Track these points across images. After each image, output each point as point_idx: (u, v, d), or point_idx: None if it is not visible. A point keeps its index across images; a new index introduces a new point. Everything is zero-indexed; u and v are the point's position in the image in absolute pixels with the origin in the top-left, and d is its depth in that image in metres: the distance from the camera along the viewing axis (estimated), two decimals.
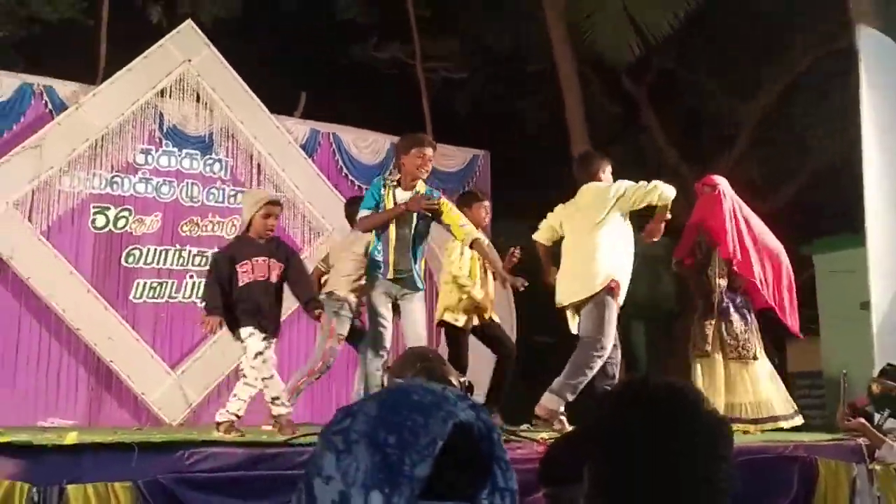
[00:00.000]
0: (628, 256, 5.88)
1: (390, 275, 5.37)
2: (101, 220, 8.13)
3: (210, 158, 8.65)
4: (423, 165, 5.50)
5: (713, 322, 6.36)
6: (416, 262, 5.48)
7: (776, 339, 7.19)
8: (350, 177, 9.34)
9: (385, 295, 5.43)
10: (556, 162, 11.03)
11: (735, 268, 6.43)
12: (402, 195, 5.48)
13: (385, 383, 4.76)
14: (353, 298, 6.12)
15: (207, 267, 5.65)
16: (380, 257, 5.39)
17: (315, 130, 9.30)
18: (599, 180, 5.98)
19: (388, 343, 5.46)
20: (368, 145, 9.55)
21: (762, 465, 4.95)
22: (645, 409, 1.25)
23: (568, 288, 5.88)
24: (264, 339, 5.13)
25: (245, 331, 5.12)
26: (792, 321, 6.65)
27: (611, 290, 5.69)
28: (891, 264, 6.90)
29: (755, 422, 6.23)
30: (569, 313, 5.93)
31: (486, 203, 6.77)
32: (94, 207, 8.10)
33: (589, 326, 5.70)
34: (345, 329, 6.13)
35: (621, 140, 12.89)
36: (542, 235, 6.23)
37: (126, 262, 8.18)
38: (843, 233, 9.19)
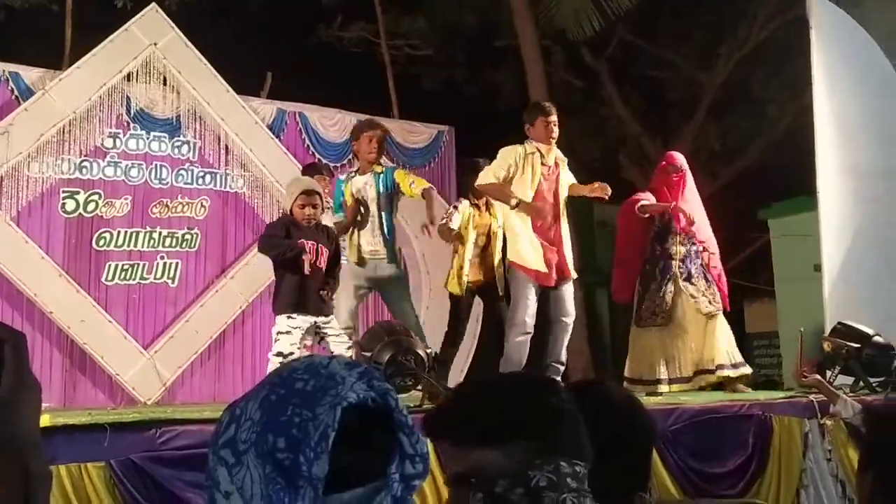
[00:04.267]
0: None
1: (355, 259, 5.76)
2: (70, 205, 8.18)
3: (178, 140, 8.71)
4: (374, 149, 5.88)
5: (672, 289, 6.53)
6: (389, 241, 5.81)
7: (734, 302, 7.40)
8: (317, 155, 9.42)
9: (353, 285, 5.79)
10: (520, 136, 11.17)
11: (701, 245, 6.60)
12: (360, 181, 5.88)
13: (353, 357, 4.94)
14: None
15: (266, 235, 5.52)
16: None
17: (281, 110, 9.38)
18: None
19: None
20: (335, 123, 9.65)
21: (720, 424, 5.17)
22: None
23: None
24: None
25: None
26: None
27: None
28: (841, 226, 7.13)
29: (712, 371, 6.38)
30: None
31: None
32: (63, 192, 8.15)
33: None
34: None
35: (583, 112, 13.08)
36: None
37: (97, 245, 8.24)
38: (797, 197, 9.43)
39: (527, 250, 5.87)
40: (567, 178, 6.17)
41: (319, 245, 5.32)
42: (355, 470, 0.93)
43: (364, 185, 5.88)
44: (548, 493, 1.22)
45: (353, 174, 5.99)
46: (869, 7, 8.26)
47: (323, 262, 5.32)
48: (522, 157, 5.89)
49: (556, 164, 6.05)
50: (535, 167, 5.91)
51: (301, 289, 5.16)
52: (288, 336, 5.21)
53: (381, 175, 5.92)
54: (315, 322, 5.30)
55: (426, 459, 0.97)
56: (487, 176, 5.95)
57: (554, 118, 5.98)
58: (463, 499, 1.26)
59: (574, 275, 6.08)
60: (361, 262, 5.80)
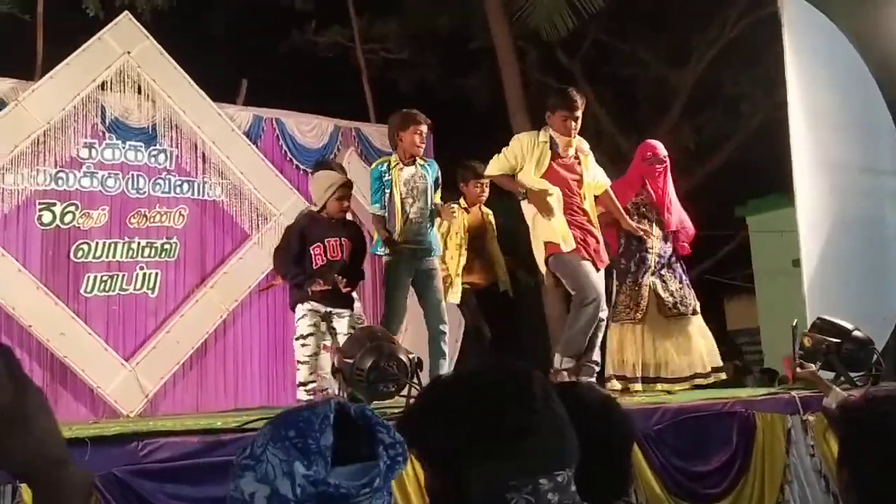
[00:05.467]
0: None
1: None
2: (47, 217, 8.10)
3: (154, 149, 8.65)
4: (423, 142, 5.81)
5: (648, 284, 6.51)
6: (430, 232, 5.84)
7: (714, 299, 7.43)
8: (295, 161, 9.41)
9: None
10: (498, 137, 11.20)
11: (679, 239, 6.62)
12: (409, 172, 5.76)
13: (335, 363, 4.91)
14: None
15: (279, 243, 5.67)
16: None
17: (258, 117, 9.33)
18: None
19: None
20: (312, 129, 9.61)
21: (703, 422, 5.15)
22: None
23: None
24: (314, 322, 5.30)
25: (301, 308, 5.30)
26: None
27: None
28: (818, 221, 7.18)
29: (678, 381, 6.31)
30: None
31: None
32: (39, 204, 8.06)
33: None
34: None
35: None
36: None
37: (75, 256, 8.17)
38: (774, 193, 9.52)
39: (563, 232, 5.63)
40: (595, 173, 5.98)
41: (342, 239, 5.38)
42: (349, 453, 1.10)
43: (414, 176, 5.78)
44: None
45: (393, 165, 5.77)
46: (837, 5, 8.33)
47: (346, 256, 5.36)
48: (532, 146, 5.69)
49: (577, 157, 5.84)
50: (544, 156, 5.67)
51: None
52: (304, 319, 5.28)
53: (429, 166, 5.91)
54: (329, 311, 5.33)
55: (403, 445, 1.14)
56: (496, 164, 5.85)
57: (577, 114, 5.68)
58: None
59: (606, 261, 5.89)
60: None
